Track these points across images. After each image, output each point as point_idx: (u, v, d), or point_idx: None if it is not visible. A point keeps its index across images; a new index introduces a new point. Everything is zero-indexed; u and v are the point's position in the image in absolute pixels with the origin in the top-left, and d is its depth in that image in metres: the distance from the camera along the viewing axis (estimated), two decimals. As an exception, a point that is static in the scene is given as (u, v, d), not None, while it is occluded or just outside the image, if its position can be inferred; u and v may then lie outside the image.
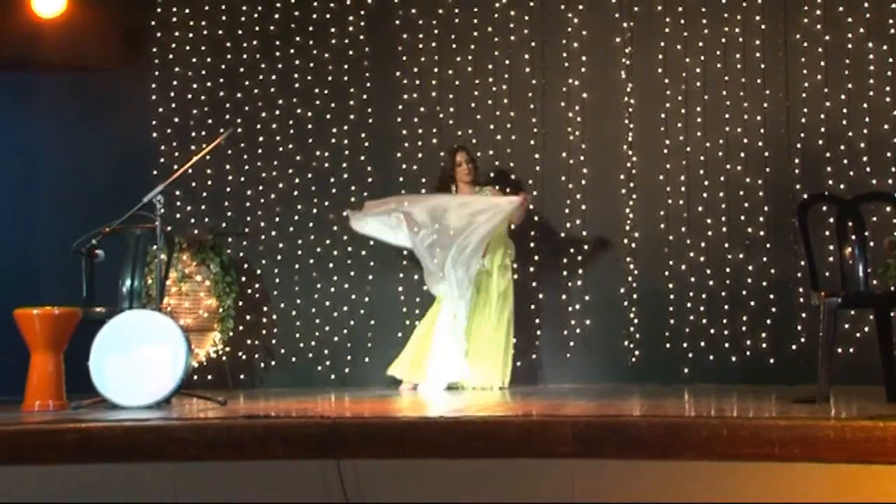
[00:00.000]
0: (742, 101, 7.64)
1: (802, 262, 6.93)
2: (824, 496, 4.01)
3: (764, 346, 7.46)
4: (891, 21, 7.51)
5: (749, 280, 7.53)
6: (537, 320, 7.65)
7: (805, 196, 6.58)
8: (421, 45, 8.01)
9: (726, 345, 7.50)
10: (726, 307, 7.54)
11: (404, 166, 8.00)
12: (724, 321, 7.52)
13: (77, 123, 8.04)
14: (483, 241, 7.15)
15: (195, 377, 7.43)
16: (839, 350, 7.08)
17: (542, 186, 7.78)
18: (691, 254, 7.63)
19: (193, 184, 7.99)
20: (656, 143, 7.73)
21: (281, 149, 8.07)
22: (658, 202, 7.69)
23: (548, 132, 7.82)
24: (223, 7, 8.15)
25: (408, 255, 7.78)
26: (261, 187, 8.07)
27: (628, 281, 7.67)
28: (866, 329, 7.11)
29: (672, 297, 7.62)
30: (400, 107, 7.99)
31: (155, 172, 7.76)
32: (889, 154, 7.43)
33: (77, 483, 4.30)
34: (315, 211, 8.03)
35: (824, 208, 6.84)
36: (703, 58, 7.70)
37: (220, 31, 8.15)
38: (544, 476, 4.22)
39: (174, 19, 8.15)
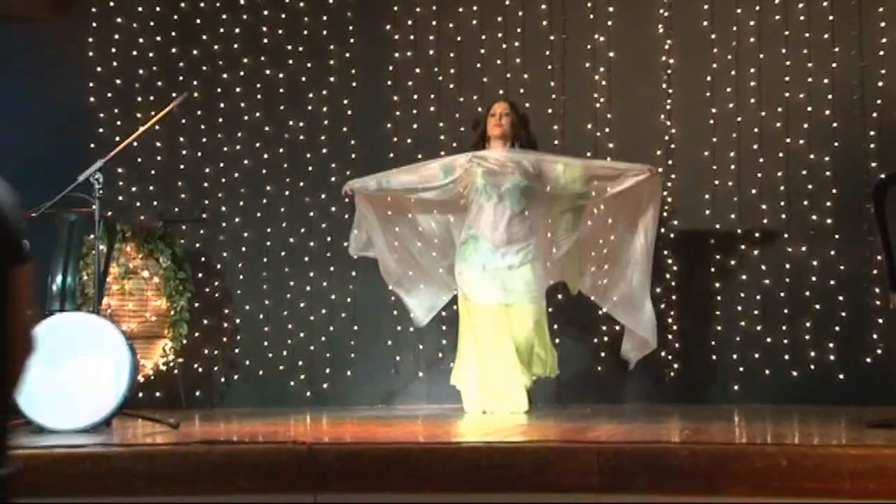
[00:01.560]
0: (806, 60, 7.62)
1: (879, 257, 6.90)
2: (904, 541, 4.01)
3: (831, 358, 7.46)
4: None
5: (813, 278, 7.53)
6: (556, 326, 7.63)
7: (882, 176, 6.57)
8: (414, -9, 8.02)
9: (785, 357, 7.50)
10: (785, 311, 7.54)
11: (395, 139, 8.00)
12: (783, 328, 7.52)
13: (-3, 85, 8.04)
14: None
15: (141, 394, 7.44)
16: (923, 363, 7.12)
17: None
18: (743, 246, 7.62)
19: (140, 159, 8.01)
20: (700, 113, 7.72)
21: (246, 118, 8.08)
22: (702, 184, 7.68)
23: (569, 98, 7.83)
24: (176, -55, 8.16)
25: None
26: (222, 164, 8.08)
27: (666, 279, 7.66)
28: (956, 338, 7.13)
29: (719, 298, 7.63)
30: (391, 67, 8.00)
31: (93, 145, 7.78)
32: (985, 125, 7.44)
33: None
34: (288, 193, 8.04)
35: (905, 191, 6.84)
36: (758, 7, 7.68)
37: (173, -25, 8.16)
38: (564, 515, 4.22)
39: (116, -40, 8.16)
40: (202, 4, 8.13)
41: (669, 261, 7.67)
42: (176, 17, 8.14)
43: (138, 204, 7.99)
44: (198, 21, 8.13)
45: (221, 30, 8.11)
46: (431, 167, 7.21)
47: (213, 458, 4.38)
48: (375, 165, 7.88)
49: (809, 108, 7.60)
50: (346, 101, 8.06)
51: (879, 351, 7.35)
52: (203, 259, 8.05)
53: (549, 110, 7.82)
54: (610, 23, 7.83)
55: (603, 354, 7.69)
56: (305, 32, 8.08)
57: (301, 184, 8.03)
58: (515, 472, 4.28)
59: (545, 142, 7.67)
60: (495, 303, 6.90)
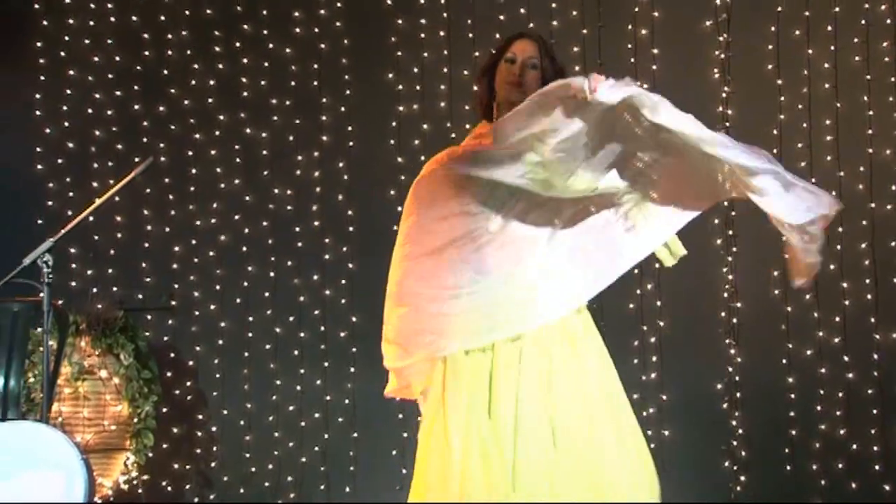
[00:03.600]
0: (892, 108, 7.65)
1: None
2: None
3: (931, 467, 7.42)
4: None
5: (908, 371, 7.51)
6: (597, 432, 7.59)
7: None
8: (423, 35, 8.09)
9: (875, 466, 7.46)
10: (874, 411, 7.51)
11: (400, 209, 7.95)
12: (873, 432, 7.49)
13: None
14: None
15: (98, 519, 7.40)
16: None
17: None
18: (821, 333, 7.60)
19: (96, 237, 8.08)
20: (767, 173, 7.70)
21: (223, 185, 8.14)
22: (771, 258, 7.64)
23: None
24: (139, -18, 8.27)
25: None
26: (193, 241, 8.13)
27: (728, 373, 7.65)
28: None
29: (793, 395, 7.60)
30: (394, 123, 8.05)
31: (40, 221, 7.87)
32: None
33: None
34: (273, 274, 8.06)
35: None
36: (833, 48, 7.71)
37: (135, 18, 8.26)
38: None
39: (67, 1, 8.26)
40: (169, 52, 8.22)
41: (732, 351, 7.64)
42: (139, 67, 8.23)
43: (95, 290, 8.02)
44: (164, 72, 8.21)
45: (193, 82, 8.20)
46: None
47: None
48: (377, 240, 7.85)
49: (898, 167, 7.64)
50: (341, 165, 8.09)
51: None
52: (172, 355, 8.07)
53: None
54: (655, 67, 7.86)
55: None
56: (293, 83, 8.15)
57: (289, 263, 8.06)
58: None
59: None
60: None
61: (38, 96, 8.19)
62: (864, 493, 7.44)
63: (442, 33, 8.06)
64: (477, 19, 7.98)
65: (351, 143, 8.09)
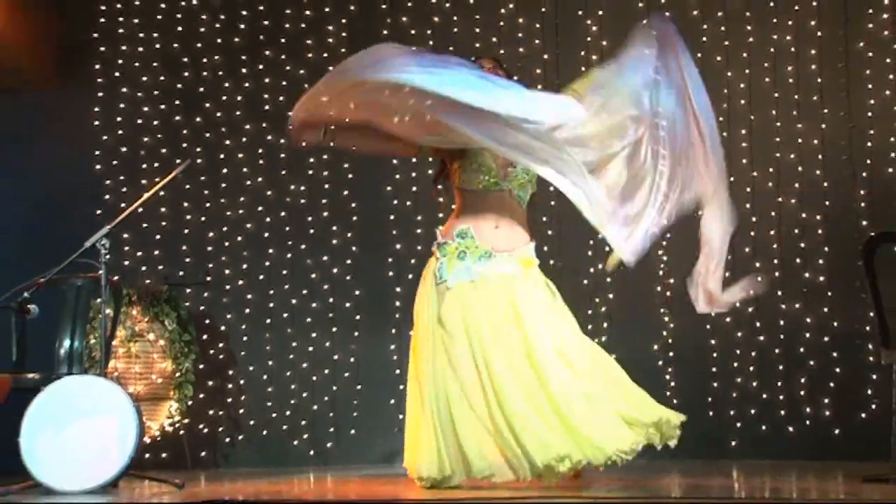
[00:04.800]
0: (796, 121, 7.70)
1: (871, 314, 6.94)
2: None
3: (827, 414, 7.47)
4: (971, 26, 7.60)
5: (807, 335, 7.56)
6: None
7: (872, 234, 6.61)
8: (414, 59, 8.07)
9: (782, 412, 7.51)
10: (781, 368, 7.56)
11: (395, 202, 8.05)
12: (779, 384, 7.54)
13: (5, 154, 8.07)
14: None
15: (147, 455, 7.43)
16: (918, 418, 7.12)
17: (559, 224, 7.81)
18: (738, 304, 7.59)
19: (145, 225, 8.05)
20: (694, 173, 7.76)
21: (249, 183, 8.13)
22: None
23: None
24: (179, 16, 8.23)
25: (402, 307, 7.81)
26: (225, 228, 8.12)
27: (663, 336, 7.70)
28: (949, 392, 7.13)
29: (716, 355, 7.65)
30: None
31: (99, 212, 7.83)
32: (972, 183, 7.49)
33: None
34: (290, 256, 8.06)
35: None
36: (748, 71, 7.76)
37: (176, 45, 8.23)
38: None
39: (121, 30, 8.22)
40: (205, 73, 8.20)
41: (666, 318, 7.69)
42: (179, 85, 8.20)
43: (144, 268, 8.01)
44: (200, 89, 8.19)
45: (224, 97, 8.18)
46: None
47: (218, 518, 4.40)
48: (376, 228, 7.95)
49: (800, 168, 7.66)
50: (346, 165, 8.10)
51: (874, 406, 7.34)
52: (207, 321, 8.05)
53: (546, 172, 7.84)
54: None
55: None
56: (306, 99, 8.14)
57: (303, 246, 8.06)
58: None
59: (542, 205, 7.69)
60: None
61: (96, 109, 8.15)
62: (771, 433, 7.49)
63: (429, 58, 8.08)
64: (457, 46, 7.97)
65: (354, 148, 8.09)
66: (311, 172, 8.09)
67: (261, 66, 8.19)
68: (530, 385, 5.29)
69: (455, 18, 8.08)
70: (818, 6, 7.74)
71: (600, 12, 7.95)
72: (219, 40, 8.22)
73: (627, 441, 5.19)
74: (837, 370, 7.49)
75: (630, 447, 5.19)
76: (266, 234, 8.09)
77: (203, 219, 8.13)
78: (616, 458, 5.17)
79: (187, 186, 8.09)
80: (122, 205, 7.52)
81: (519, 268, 5.63)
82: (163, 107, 8.20)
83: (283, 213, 8.10)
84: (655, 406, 5.44)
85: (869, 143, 7.60)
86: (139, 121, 8.18)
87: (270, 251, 8.07)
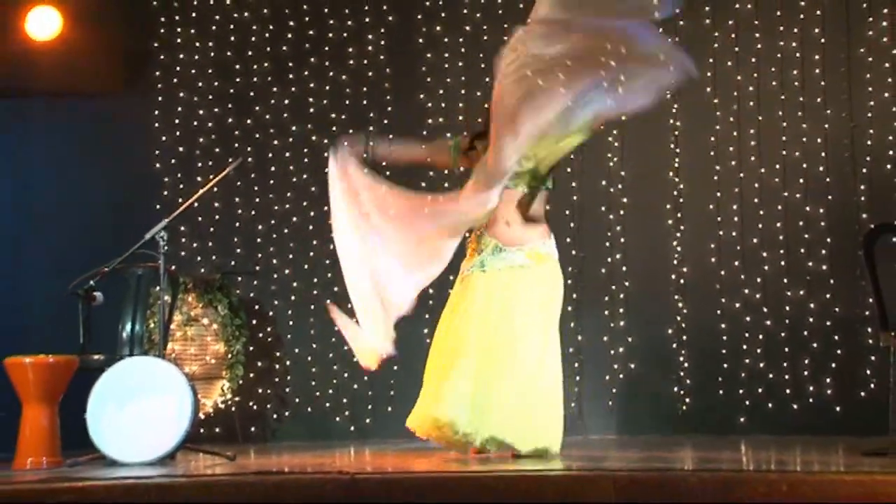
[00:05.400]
0: (801, 122, 7.65)
1: (870, 300, 6.88)
2: (897, 561, 3.97)
3: (829, 392, 7.42)
4: (964, 33, 7.52)
5: (811, 319, 7.51)
6: (576, 364, 7.64)
7: (872, 226, 6.58)
8: (447, 66, 8.07)
9: (787, 391, 7.47)
10: (786, 350, 7.51)
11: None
12: (784, 365, 7.49)
13: (73, 153, 8.12)
14: None
15: (202, 430, 7.46)
16: (913, 396, 7.07)
17: (580, 217, 7.79)
18: (746, 291, 7.61)
19: (200, 218, 8.07)
20: (706, 170, 7.73)
21: (295, 179, 8.14)
22: (709, 234, 7.69)
23: (585, 158, 7.81)
24: (231, 27, 8.25)
25: (434, 294, 7.80)
26: (273, 222, 8.13)
27: (677, 321, 7.66)
28: (943, 373, 7.06)
29: (725, 338, 7.60)
30: (424, 132, 8.01)
31: (158, 206, 7.84)
32: (965, 179, 7.42)
33: (73, 548, 4.32)
34: (332, 247, 7.99)
35: (893, 240, 6.81)
36: (756, 75, 7.71)
37: (229, 53, 8.25)
38: (584, 537, 4.20)
39: (178, 40, 8.25)
40: (255, 79, 8.21)
41: (680, 304, 7.66)
42: (231, 90, 8.22)
43: (198, 258, 8.04)
44: (251, 94, 8.20)
45: (272, 101, 8.19)
46: None
47: (265, 488, 4.40)
48: (411, 221, 7.93)
49: (805, 165, 7.61)
50: (383, 164, 8.09)
51: (872, 385, 7.30)
52: (257, 307, 8.07)
53: (568, 169, 7.81)
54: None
55: (615, 390, 7.66)
56: (347, 102, 8.14)
57: (344, 238, 8.05)
58: (540, 498, 4.28)
59: (563, 199, 7.70)
60: None
61: (156, 112, 8.18)
62: (777, 410, 7.45)
63: (460, 63, 8.07)
64: (486, 53, 7.97)
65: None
66: (351, 170, 8.07)
67: (306, 72, 8.19)
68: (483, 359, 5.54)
69: (484, 27, 8.06)
70: (822, 15, 7.69)
71: (619, 21, 7.88)
72: (268, 48, 8.23)
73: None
74: (839, 352, 7.44)
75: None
76: (310, 227, 8.09)
77: (253, 213, 8.15)
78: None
79: (238, 183, 8.11)
80: (180, 200, 7.56)
81: (528, 261, 5.64)
82: (216, 110, 8.22)
83: (325, 208, 8.01)
84: (508, 429, 5.48)
85: (869, 142, 7.54)
86: (195, 123, 8.21)
87: (314, 242, 8.06)
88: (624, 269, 7.77)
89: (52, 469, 5.61)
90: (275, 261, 8.09)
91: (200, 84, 8.23)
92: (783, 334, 7.53)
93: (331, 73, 8.16)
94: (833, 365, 7.43)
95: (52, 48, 7.81)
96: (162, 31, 8.26)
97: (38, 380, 5.79)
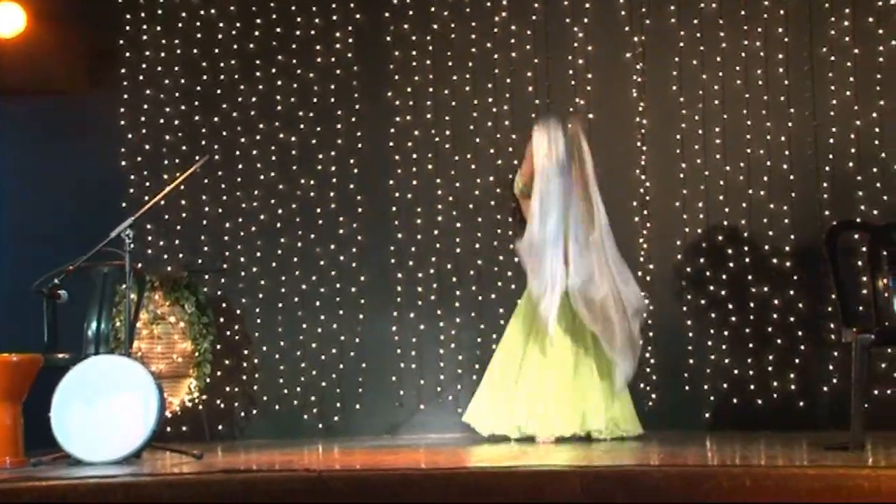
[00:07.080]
0: (765, 120, 7.67)
1: (833, 296, 6.92)
2: (859, 553, 4.00)
3: (792, 387, 7.46)
4: (926, 32, 7.57)
5: (775, 316, 7.53)
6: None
7: (834, 223, 6.61)
8: (414, 63, 8.03)
9: (751, 387, 7.49)
10: (751, 346, 7.54)
11: (397, 195, 8.02)
12: (749, 361, 7.52)
13: (38, 151, 8.04)
14: None
15: (168, 429, 7.41)
16: (875, 392, 7.10)
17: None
18: (711, 287, 7.63)
19: (166, 216, 8.01)
20: (671, 168, 7.75)
21: (262, 177, 8.09)
22: (674, 231, 7.71)
23: (553, 156, 7.81)
24: (198, 24, 8.19)
25: (402, 292, 7.81)
26: (240, 219, 8.08)
27: (644, 317, 7.65)
28: (904, 368, 7.13)
29: (691, 335, 7.62)
30: (392, 130, 8.01)
31: (124, 204, 7.80)
32: (926, 177, 7.47)
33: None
34: (300, 245, 8.04)
35: (856, 236, 6.86)
36: (721, 74, 7.72)
37: (196, 51, 8.18)
38: (551, 533, 4.21)
39: (145, 38, 8.18)
40: (222, 77, 8.15)
41: (647, 301, 7.66)
42: (198, 88, 8.16)
43: (165, 256, 7.98)
44: (218, 91, 8.15)
45: (239, 99, 8.13)
46: None
47: (232, 486, 4.39)
48: (379, 219, 7.93)
49: (768, 163, 7.64)
50: (352, 161, 8.07)
51: (835, 380, 7.33)
52: (224, 305, 8.02)
53: (535, 167, 7.83)
54: (589, 88, 7.86)
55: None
56: (315, 100, 8.09)
57: (312, 236, 8.01)
58: (508, 493, 4.29)
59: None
60: None
61: (122, 110, 8.11)
62: (741, 405, 7.47)
63: (428, 62, 8.04)
64: (454, 51, 7.98)
65: (360, 145, 8.06)
66: (319, 168, 8.06)
67: (273, 70, 8.14)
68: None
69: (453, 25, 8.04)
70: (785, 15, 7.72)
71: (586, 20, 7.90)
72: (235, 46, 8.17)
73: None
74: (802, 347, 7.48)
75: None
76: (278, 225, 8.05)
77: (220, 210, 8.09)
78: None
79: (205, 181, 8.05)
80: (146, 198, 7.47)
81: None
82: (183, 107, 8.16)
83: (293, 206, 8.07)
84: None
85: (831, 140, 7.58)
86: (161, 120, 8.15)
87: (282, 240, 8.03)
88: (590, 266, 7.72)
89: (15, 469, 5.57)
90: (242, 259, 8.05)
91: (167, 81, 8.17)
92: (747, 330, 7.55)
93: (298, 71, 8.12)
94: (797, 360, 7.46)
95: (16, 46, 7.75)
96: (128, 28, 8.18)
97: (1, 378, 5.74)
